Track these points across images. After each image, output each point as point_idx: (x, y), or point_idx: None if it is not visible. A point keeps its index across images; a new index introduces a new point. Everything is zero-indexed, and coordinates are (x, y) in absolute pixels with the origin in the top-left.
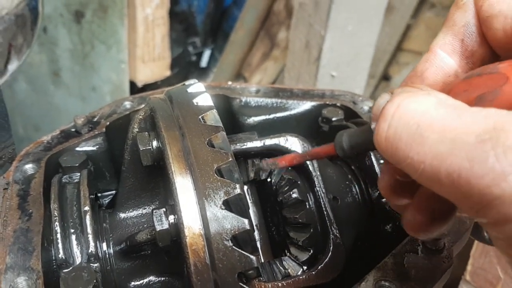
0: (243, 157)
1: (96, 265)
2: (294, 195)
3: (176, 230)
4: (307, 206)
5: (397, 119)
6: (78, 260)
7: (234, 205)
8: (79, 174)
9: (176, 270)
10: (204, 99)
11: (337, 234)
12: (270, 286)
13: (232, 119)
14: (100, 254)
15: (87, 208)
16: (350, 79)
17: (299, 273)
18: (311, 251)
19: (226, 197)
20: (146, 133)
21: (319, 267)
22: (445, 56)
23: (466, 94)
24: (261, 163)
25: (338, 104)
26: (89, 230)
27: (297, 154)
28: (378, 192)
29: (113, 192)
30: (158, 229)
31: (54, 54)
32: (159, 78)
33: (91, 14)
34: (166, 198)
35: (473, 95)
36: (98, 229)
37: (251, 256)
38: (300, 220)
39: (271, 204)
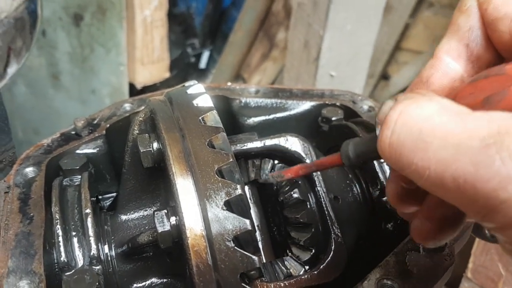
0: (243, 157)
1: (98, 267)
2: (295, 195)
3: (178, 231)
4: (308, 206)
5: (400, 126)
6: (80, 263)
7: (235, 206)
8: (79, 176)
9: (178, 271)
10: (204, 100)
11: (339, 234)
12: (272, 286)
13: (232, 119)
14: (102, 257)
15: (88, 210)
16: (349, 78)
17: (301, 273)
18: (313, 250)
19: (227, 198)
20: (147, 135)
21: (321, 266)
22: (450, 61)
23: (472, 97)
24: (268, 176)
25: (338, 104)
26: (91, 232)
27: (302, 165)
28: (378, 191)
29: (114, 194)
30: (159, 231)
31: (53, 57)
32: (158, 80)
33: (90, 17)
34: (167, 199)
35: (480, 97)
36: (99, 231)
37: (253, 257)
38: (301, 220)
39: (272, 204)
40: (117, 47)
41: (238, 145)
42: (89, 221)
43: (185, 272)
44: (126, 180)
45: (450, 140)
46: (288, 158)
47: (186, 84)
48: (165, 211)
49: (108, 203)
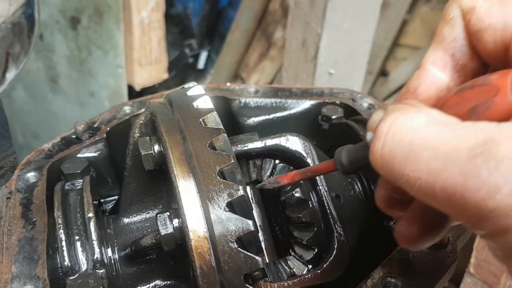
0: (244, 158)
1: (102, 271)
2: (297, 195)
3: (181, 233)
4: (310, 205)
5: (391, 138)
6: (83, 267)
7: (237, 207)
8: (81, 180)
9: (182, 273)
10: (204, 102)
11: (341, 232)
12: (276, 286)
13: (232, 120)
14: (105, 260)
15: (91, 214)
16: (348, 76)
17: (304, 272)
18: (316, 249)
19: (229, 199)
20: (147, 137)
21: (324, 265)
22: (436, 71)
23: (459, 107)
24: (265, 182)
25: (338, 102)
26: (94, 236)
27: (298, 171)
28: None
29: (116, 197)
30: (162, 233)
31: (51, 61)
32: (156, 81)
33: (87, 20)
34: (170, 202)
35: (466, 107)
36: (102, 235)
37: (257, 257)
38: (303, 219)
39: (274, 204)
40: (115, 49)
41: (239, 145)
42: (92, 225)
43: (188, 274)
44: (128, 183)
45: (440, 151)
46: (289, 157)
47: (186, 85)
48: (168, 213)
49: (110, 206)
